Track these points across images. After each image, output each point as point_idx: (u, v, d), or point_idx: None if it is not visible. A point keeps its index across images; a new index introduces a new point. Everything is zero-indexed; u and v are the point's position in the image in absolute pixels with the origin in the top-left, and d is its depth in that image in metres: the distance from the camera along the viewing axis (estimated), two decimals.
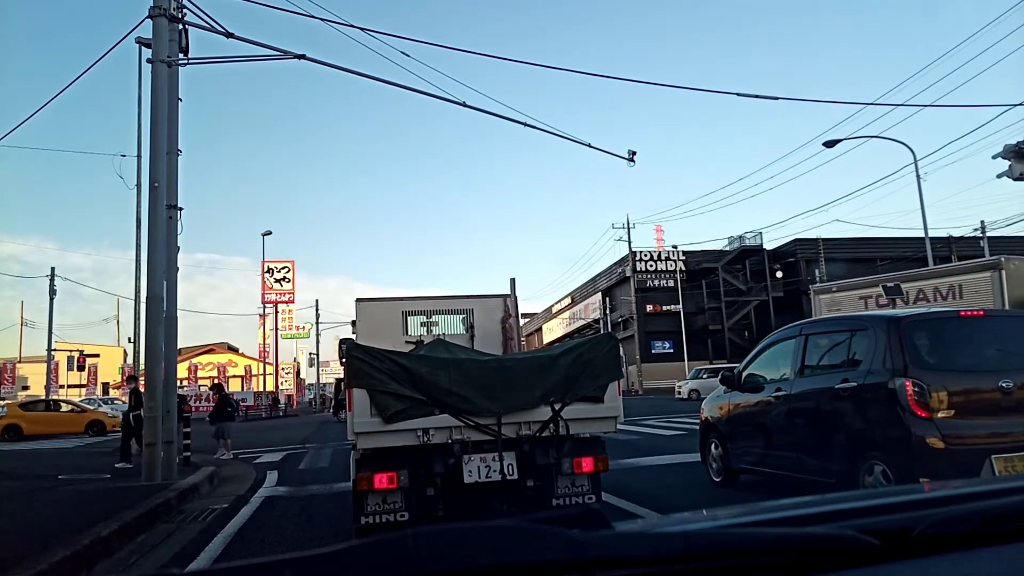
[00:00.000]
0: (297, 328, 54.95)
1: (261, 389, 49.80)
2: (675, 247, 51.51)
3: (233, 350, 68.71)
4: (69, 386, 49.25)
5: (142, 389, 10.15)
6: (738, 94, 11.55)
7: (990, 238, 34.05)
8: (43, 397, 32.46)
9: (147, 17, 9.95)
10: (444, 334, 7.38)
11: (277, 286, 49.63)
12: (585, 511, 1.13)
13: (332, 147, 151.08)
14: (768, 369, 6.94)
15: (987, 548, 0.96)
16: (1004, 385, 5.04)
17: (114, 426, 27.81)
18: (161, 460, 9.18)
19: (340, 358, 6.49)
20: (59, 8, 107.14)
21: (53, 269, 35.88)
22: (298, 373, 68.46)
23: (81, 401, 32.61)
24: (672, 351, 49.77)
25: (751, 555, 0.90)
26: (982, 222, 34.30)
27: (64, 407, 27.41)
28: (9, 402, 31.75)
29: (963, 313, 6.02)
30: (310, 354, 62.86)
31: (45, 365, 37.96)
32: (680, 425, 15.67)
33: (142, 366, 10.72)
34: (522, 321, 11.71)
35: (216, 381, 24.77)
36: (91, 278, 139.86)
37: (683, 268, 50.54)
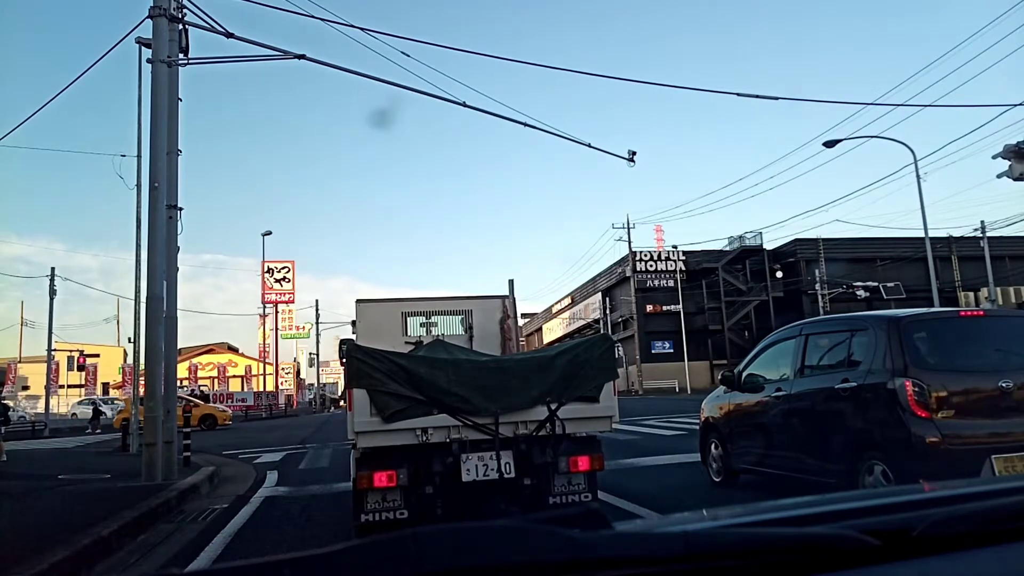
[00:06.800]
0: (297, 328, 54.97)
1: (261, 389, 49.82)
2: (675, 247, 51.51)
3: (233, 350, 68.71)
4: (69, 386, 49.21)
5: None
6: (738, 94, 11.56)
7: (990, 238, 34.02)
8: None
9: (147, 17, 9.96)
10: (443, 335, 7.39)
11: (277, 286, 49.70)
12: (585, 511, 1.12)
13: (333, 147, 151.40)
14: (768, 369, 6.93)
15: (987, 548, 0.96)
16: (1004, 385, 5.04)
17: (225, 420, 29.63)
18: (161, 460, 9.19)
19: (340, 358, 6.50)
20: (59, 8, 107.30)
21: (53, 269, 35.74)
22: (298, 373, 68.47)
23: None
24: (672, 351, 49.77)
25: (751, 555, 0.90)
26: (982, 222, 34.22)
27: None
28: (125, 397, 33.19)
29: (963, 313, 6.04)
30: (310, 354, 62.89)
31: (45, 365, 37.92)
32: (680, 425, 15.67)
33: (142, 366, 10.72)
34: (522, 321, 11.71)
35: None
36: (98, 279, 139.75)
37: (683, 268, 50.52)
